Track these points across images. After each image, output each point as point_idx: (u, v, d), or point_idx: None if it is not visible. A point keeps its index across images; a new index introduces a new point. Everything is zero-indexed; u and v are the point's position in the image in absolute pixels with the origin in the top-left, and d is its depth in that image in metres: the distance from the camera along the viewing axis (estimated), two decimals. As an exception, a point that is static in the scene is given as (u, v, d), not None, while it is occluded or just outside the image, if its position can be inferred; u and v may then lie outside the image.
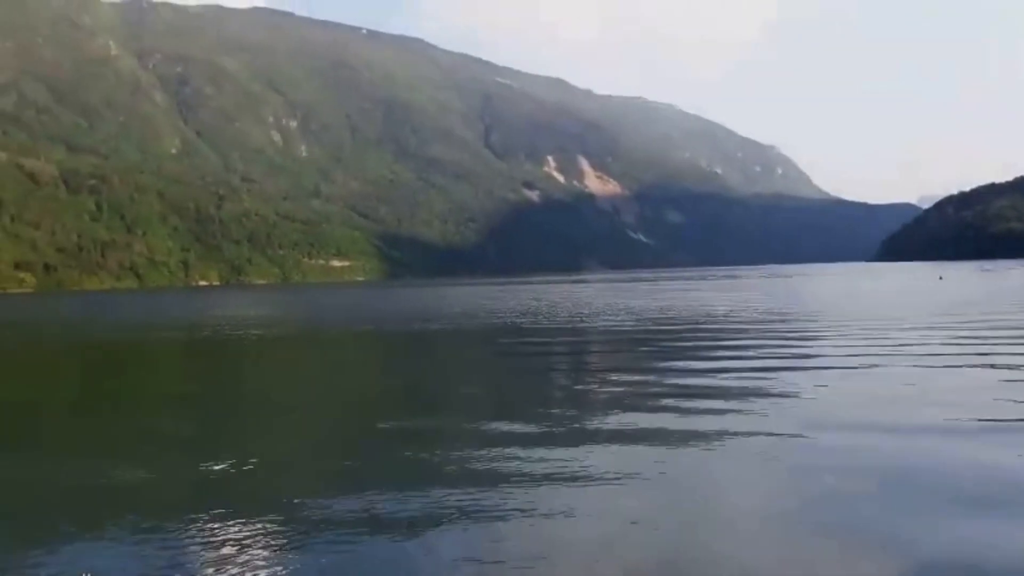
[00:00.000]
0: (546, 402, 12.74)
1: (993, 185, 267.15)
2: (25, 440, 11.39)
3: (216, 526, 6.67)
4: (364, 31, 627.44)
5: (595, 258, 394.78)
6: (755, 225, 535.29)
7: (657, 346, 20.86)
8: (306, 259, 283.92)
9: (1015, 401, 11.12)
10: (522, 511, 6.79)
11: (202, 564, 5.85)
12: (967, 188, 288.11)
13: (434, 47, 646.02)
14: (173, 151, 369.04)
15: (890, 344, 18.51)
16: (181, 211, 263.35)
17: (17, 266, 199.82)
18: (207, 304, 72.97)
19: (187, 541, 6.34)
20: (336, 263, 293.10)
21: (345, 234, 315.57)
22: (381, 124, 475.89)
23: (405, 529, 6.46)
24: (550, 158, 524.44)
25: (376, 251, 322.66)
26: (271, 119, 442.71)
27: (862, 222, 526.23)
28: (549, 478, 7.79)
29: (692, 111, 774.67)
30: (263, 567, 5.75)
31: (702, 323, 27.62)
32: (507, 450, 8.97)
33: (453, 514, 6.77)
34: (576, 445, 9.19)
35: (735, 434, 9.43)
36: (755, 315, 30.83)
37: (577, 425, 10.44)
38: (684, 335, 23.22)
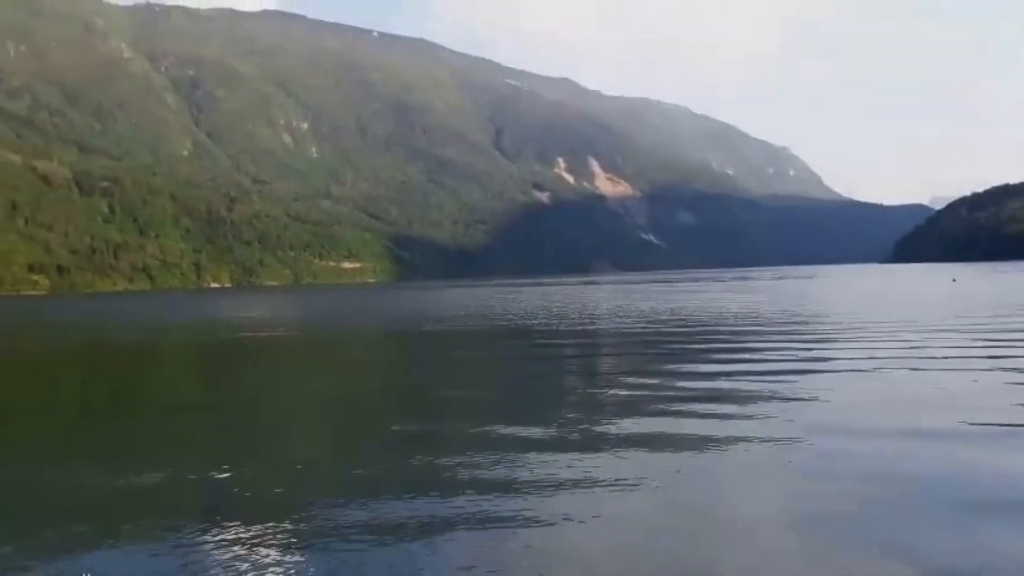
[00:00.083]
0: (557, 406, 12.67)
1: (1007, 186, 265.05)
2: (35, 442, 11.41)
3: (225, 529, 6.64)
4: (375, 33, 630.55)
5: (606, 260, 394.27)
6: (767, 227, 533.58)
7: (668, 349, 20.77)
8: (317, 260, 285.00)
9: (1034, 405, 10.94)
10: (533, 517, 6.72)
11: (210, 567, 5.83)
12: (980, 189, 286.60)
13: (444, 48, 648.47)
14: (185, 153, 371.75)
15: (904, 346, 18.34)
16: (193, 213, 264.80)
17: (31, 268, 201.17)
18: (219, 306, 73.28)
19: (195, 544, 6.32)
20: (347, 265, 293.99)
21: (356, 235, 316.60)
22: (392, 126, 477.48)
23: (415, 534, 6.41)
24: (560, 159, 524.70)
25: (387, 252, 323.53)
26: (282, 121, 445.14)
27: (875, 223, 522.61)
28: (560, 483, 7.72)
29: (702, 112, 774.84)
30: (272, 571, 5.74)
31: (714, 325, 27.48)
32: (518, 455, 8.92)
33: (464, 519, 6.72)
34: (587, 450, 9.12)
35: (749, 439, 9.34)
36: (767, 317, 30.64)
37: (588, 429, 10.37)
38: (696, 337, 23.10)
